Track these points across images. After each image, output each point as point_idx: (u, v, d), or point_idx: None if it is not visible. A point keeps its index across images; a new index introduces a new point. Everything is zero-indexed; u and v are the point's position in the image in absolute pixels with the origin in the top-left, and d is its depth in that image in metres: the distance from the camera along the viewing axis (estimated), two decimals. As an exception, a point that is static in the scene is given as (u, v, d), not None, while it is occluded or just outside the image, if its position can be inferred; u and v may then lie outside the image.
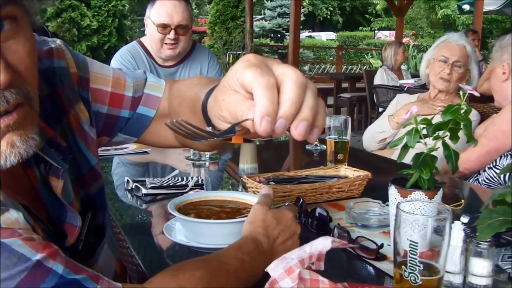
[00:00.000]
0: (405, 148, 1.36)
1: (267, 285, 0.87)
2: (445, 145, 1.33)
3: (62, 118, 1.11)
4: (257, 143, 2.96)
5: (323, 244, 1.03)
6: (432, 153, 1.34)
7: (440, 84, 2.95)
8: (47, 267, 0.79)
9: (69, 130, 1.12)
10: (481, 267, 1.17)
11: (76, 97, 1.15)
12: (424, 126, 1.34)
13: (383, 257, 1.30)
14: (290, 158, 2.84)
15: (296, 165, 2.63)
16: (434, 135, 1.33)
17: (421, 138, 1.33)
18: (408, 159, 1.37)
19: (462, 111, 1.32)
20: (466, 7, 11.81)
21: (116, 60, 3.07)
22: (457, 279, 1.18)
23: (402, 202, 1.15)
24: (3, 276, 0.76)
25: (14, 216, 0.81)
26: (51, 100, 1.08)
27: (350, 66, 18.62)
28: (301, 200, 1.54)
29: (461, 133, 1.30)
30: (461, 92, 1.36)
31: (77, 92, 1.15)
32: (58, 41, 1.15)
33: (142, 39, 3.17)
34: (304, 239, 1.26)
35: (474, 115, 2.89)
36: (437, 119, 1.33)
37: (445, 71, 2.92)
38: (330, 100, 10.51)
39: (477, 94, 1.39)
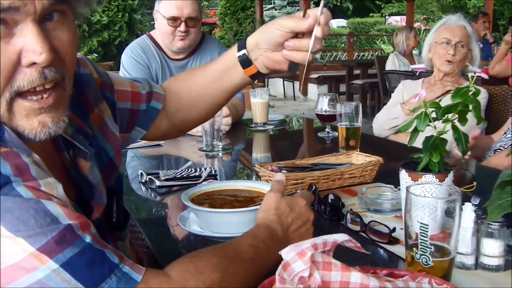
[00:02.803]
0: (415, 131, 1.36)
1: (279, 267, 0.88)
2: (454, 127, 1.34)
3: (87, 116, 1.24)
4: (271, 132, 2.98)
5: (340, 237, 1.05)
6: (442, 136, 1.34)
7: (445, 66, 2.94)
8: (76, 234, 0.85)
9: (92, 126, 1.24)
10: (492, 248, 1.18)
11: (99, 98, 1.30)
12: (433, 109, 1.35)
13: (395, 241, 1.32)
14: (302, 146, 2.86)
15: (308, 153, 2.64)
16: (444, 118, 1.34)
17: (430, 121, 1.34)
18: (419, 143, 1.38)
19: (471, 93, 1.32)
20: (477, -11, 11.71)
21: (127, 55, 3.08)
22: (469, 260, 1.19)
23: (412, 185, 1.15)
24: (37, 231, 0.82)
25: (54, 183, 0.89)
26: (79, 100, 1.21)
27: (362, 53, 18.50)
28: (314, 187, 1.56)
29: (470, 116, 1.31)
30: (469, 75, 1.37)
31: (100, 94, 1.31)
32: (80, 53, 1.31)
33: (152, 33, 3.18)
34: (317, 226, 1.28)
35: (482, 93, 2.88)
36: (445, 102, 1.33)
37: (450, 53, 2.91)
38: (343, 87, 10.49)
39: (485, 76, 1.40)
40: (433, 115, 1.35)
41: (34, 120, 0.93)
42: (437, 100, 2.71)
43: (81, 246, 0.85)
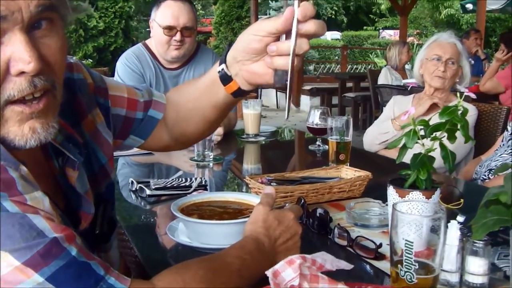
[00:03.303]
0: (404, 148, 1.38)
1: (270, 275, 0.90)
2: (442, 145, 1.36)
3: (80, 122, 1.23)
4: (263, 142, 2.99)
5: (329, 264, 1.07)
6: (429, 154, 1.36)
7: (436, 81, 2.97)
8: (62, 246, 0.86)
9: (84, 132, 1.24)
10: (477, 266, 1.19)
11: (93, 104, 1.29)
12: (422, 127, 1.37)
13: (382, 257, 1.33)
14: (293, 158, 2.87)
15: (299, 165, 2.66)
16: (432, 136, 1.36)
17: (419, 139, 1.36)
18: (409, 158, 1.40)
19: (459, 112, 1.34)
20: (469, 6, 11.80)
21: (122, 63, 3.09)
22: (454, 278, 1.20)
23: (398, 202, 1.17)
24: (22, 245, 0.82)
25: (40, 197, 0.89)
26: (71, 106, 1.20)
27: (355, 66, 18.59)
28: (302, 201, 1.57)
29: (459, 134, 1.33)
30: (458, 94, 1.39)
31: (94, 99, 1.30)
32: (75, 58, 1.31)
33: (147, 42, 3.19)
34: (305, 239, 1.30)
35: (472, 110, 2.91)
36: (434, 120, 1.35)
37: (440, 69, 2.95)
38: (335, 100, 10.52)
39: (473, 96, 1.42)
40: (422, 132, 1.37)
41: (25, 126, 0.93)
42: (426, 118, 2.73)
43: (67, 259, 0.85)
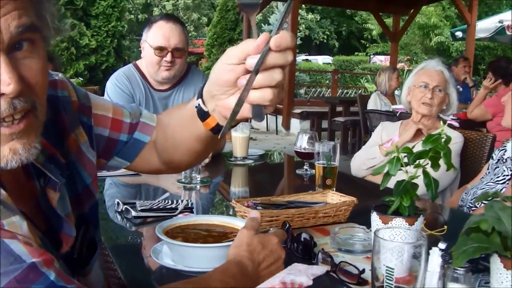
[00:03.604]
0: (387, 175, 1.40)
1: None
2: (425, 173, 1.38)
3: (63, 140, 1.21)
4: (252, 164, 3.00)
5: (305, 280, 1.08)
6: (413, 181, 1.38)
7: (423, 108, 3.01)
8: (40, 271, 0.85)
9: (68, 151, 1.22)
10: (458, 293, 1.21)
11: (76, 122, 1.26)
12: (405, 154, 1.39)
13: (364, 282, 1.34)
14: (280, 182, 2.88)
15: (286, 189, 2.67)
16: (415, 163, 1.38)
17: (402, 166, 1.38)
18: (393, 184, 1.41)
19: (443, 140, 1.36)
20: (459, 34, 11.95)
21: (112, 83, 3.11)
22: (435, 304, 1.21)
23: (381, 229, 1.18)
24: None
25: (18, 222, 0.89)
26: (55, 124, 1.18)
27: (346, 90, 18.72)
28: (287, 225, 1.58)
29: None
30: (441, 122, 1.41)
31: (77, 118, 1.27)
32: (60, 75, 1.28)
33: (138, 62, 3.20)
34: (289, 264, 1.30)
35: (457, 137, 2.95)
36: (419, 147, 1.37)
37: (427, 96, 2.98)
38: (325, 124, 10.58)
39: (456, 124, 1.44)
40: (406, 160, 1.39)
41: (5, 147, 0.91)
42: (412, 144, 2.77)
43: (45, 284, 0.84)
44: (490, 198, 1.24)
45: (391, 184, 1.41)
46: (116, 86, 3.07)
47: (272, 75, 0.97)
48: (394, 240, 1.16)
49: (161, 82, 3.12)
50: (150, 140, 1.38)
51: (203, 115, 1.11)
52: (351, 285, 1.34)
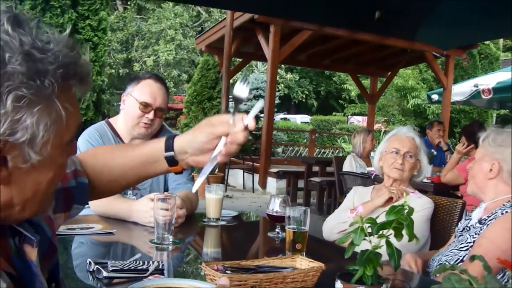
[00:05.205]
0: (352, 245, 1.45)
1: None
2: (388, 243, 1.43)
3: None
4: (224, 225, 3.03)
5: None
6: (377, 251, 1.43)
7: (394, 173, 3.09)
8: None
9: None
10: None
11: None
12: (369, 225, 1.44)
13: None
14: (252, 244, 2.90)
15: (257, 252, 2.69)
16: (379, 233, 1.43)
17: (366, 235, 1.43)
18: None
19: (405, 211, 1.42)
20: (435, 97, 12.21)
21: (84, 139, 3.14)
22: None
23: (342, 298, 1.22)
24: None
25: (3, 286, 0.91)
26: None
27: (323, 150, 18.92)
28: (255, 290, 1.61)
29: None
30: (404, 194, 1.48)
31: None
32: None
33: (111, 120, 3.26)
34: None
35: (427, 203, 3.03)
36: (381, 219, 1.43)
37: (398, 162, 3.07)
38: (301, 183, 10.65)
39: (419, 195, 1.50)
40: (370, 230, 1.44)
41: None
42: (384, 209, 2.83)
43: None
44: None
45: (359, 248, 1.45)
46: (87, 142, 3.10)
47: (233, 146, 1.39)
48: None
49: (135, 138, 3.17)
50: (87, 180, 1.50)
51: (173, 163, 1.46)
52: None
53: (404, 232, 1.44)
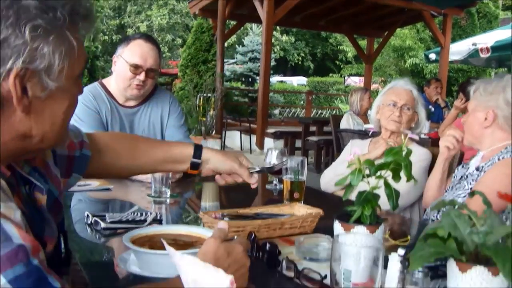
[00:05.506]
0: (350, 186, 1.45)
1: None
2: (386, 184, 1.42)
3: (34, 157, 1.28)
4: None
5: None
6: (374, 191, 1.43)
7: (392, 125, 3.06)
8: (28, 255, 0.89)
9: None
10: (416, 296, 1.25)
11: None
12: (367, 166, 1.43)
13: (327, 287, 1.37)
14: (250, 197, 2.90)
15: (255, 204, 2.69)
16: (377, 174, 1.42)
17: (364, 177, 1.42)
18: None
19: (403, 153, 1.41)
20: (432, 56, 12.12)
21: (79, 102, 3.11)
22: (394, 308, 1.25)
23: (341, 234, 1.22)
24: None
25: (13, 208, 0.95)
26: None
27: (320, 111, 18.88)
28: (253, 235, 1.61)
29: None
30: (402, 136, 1.46)
31: None
32: None
33: (104, 81, 3.23)
34: (254, 271, 1.33)
35: (425, 154, 3.02)
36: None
37: (395, 114, 3.04)
38: (298, 143, 10.65)
39: (416, 137, 1.49)
40: (367, 171, 1.43)
41: None
42: (381, 161, 2.82)
43: (30, 267, 0.89)
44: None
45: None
46: (83, 104, 3.07)
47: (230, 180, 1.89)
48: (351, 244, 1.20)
49: (129, 99, 3.15)
50: (91, 153, 1.59)
51: (196, 168, 1.76)
52: (314, 291, 1.37)
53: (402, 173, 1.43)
